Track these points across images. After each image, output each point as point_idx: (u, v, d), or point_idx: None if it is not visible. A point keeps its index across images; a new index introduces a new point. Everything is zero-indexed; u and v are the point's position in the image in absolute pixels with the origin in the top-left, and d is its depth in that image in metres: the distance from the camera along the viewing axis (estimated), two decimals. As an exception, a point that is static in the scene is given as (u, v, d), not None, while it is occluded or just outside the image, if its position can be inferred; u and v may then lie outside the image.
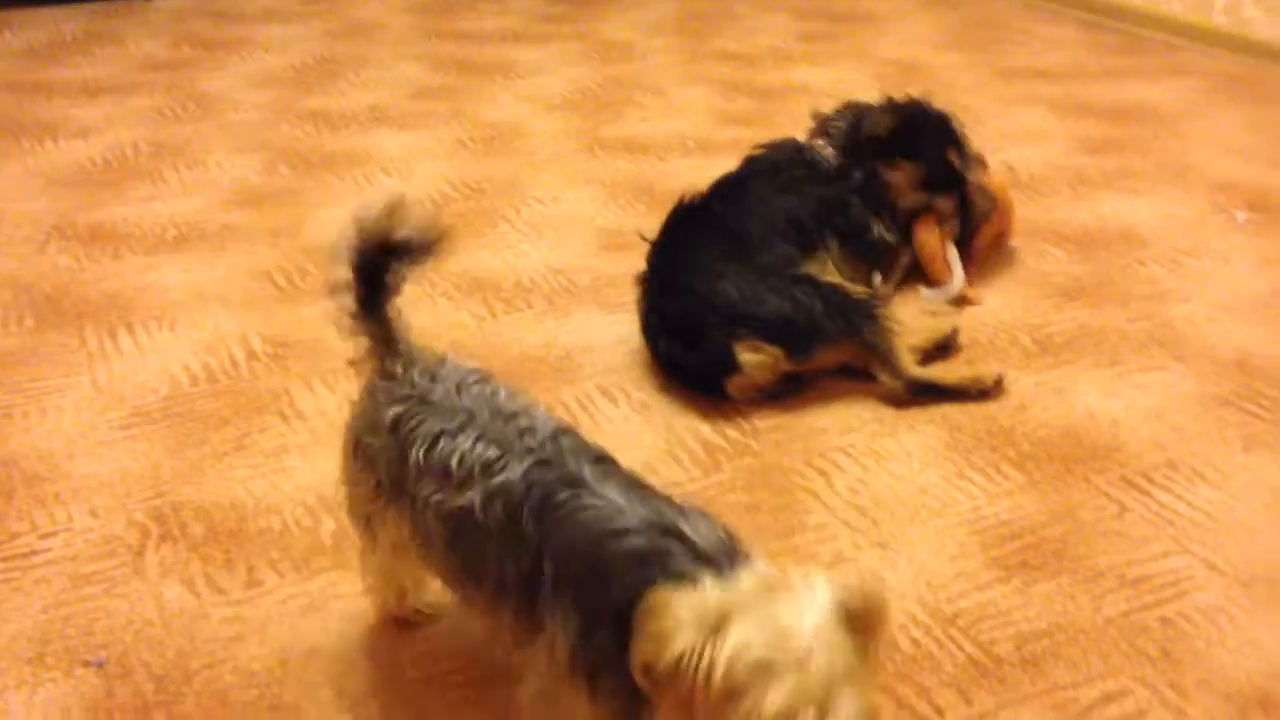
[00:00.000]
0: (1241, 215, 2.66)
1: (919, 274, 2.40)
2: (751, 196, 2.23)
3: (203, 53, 3.99)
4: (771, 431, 1.95)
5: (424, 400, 1.30)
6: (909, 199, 2.37)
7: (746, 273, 2.05)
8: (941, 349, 2.16)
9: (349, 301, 1.37)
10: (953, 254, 2.36)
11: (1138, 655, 1.49)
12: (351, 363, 1.42)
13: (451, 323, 2.29)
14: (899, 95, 2.45)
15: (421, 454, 1.25)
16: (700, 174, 2.41)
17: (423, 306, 2.34)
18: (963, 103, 3.40)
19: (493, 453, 1.21)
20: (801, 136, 2.46)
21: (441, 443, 1.25)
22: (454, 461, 1.22)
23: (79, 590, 1.61)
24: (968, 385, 2.03)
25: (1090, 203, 2.75)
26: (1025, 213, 2.69)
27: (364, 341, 1.39)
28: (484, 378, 1.35)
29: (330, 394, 2.05)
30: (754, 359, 1.98)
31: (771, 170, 2.32)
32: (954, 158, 2.38)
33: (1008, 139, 3.13)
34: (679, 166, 2.98)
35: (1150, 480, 1.81)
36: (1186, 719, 1.40)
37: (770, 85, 3.65)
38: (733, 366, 1.98)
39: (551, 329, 2.26)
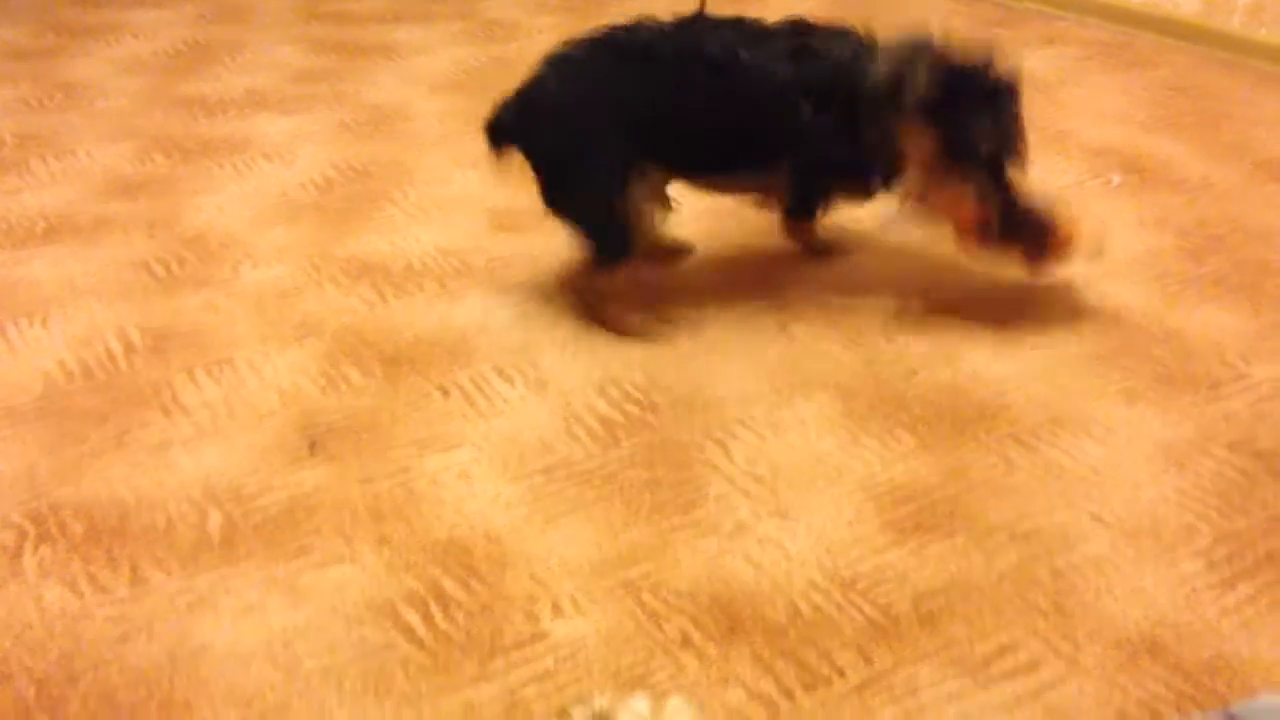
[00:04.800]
0: (1116, 179, 2.74)
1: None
2: None
3: (68, 40, 3.84)
4: (670, 407, 1.95)
5: None
6: None
7: None
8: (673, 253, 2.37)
9: None
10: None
11: (1030, 608, 1.53)
12: None
13: (340, 308, 2.24)
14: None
15: None
16: (589, 151, 2.39)
17: (309, 293, 2.29)
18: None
19: None
20: None
21: None
22: None
23: (-48, 598, 1.53)
24: None
25: (973, 171, 2.80)
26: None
27: None
28: None
29: (214, 385, 1.99)
30: None
31: None
32: None
33: (892, 111, 3.17)
34: (568, 145, 2.96)
35: (1037, 438, 1.85)
36: (1078, 668, 1.44)
37: (657, 62, 3.64)
38: None
39: (445, 311, 2.23)
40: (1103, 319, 2.17)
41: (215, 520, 1.68)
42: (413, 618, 1.52)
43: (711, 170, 2.16)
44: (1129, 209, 2.60)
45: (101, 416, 1.91)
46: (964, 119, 2.05)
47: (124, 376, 2.02)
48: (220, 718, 1.37)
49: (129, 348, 2.10)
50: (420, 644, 1.48)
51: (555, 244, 2.26)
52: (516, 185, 2.73)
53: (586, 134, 2.05)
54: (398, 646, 1.47)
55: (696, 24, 2.11)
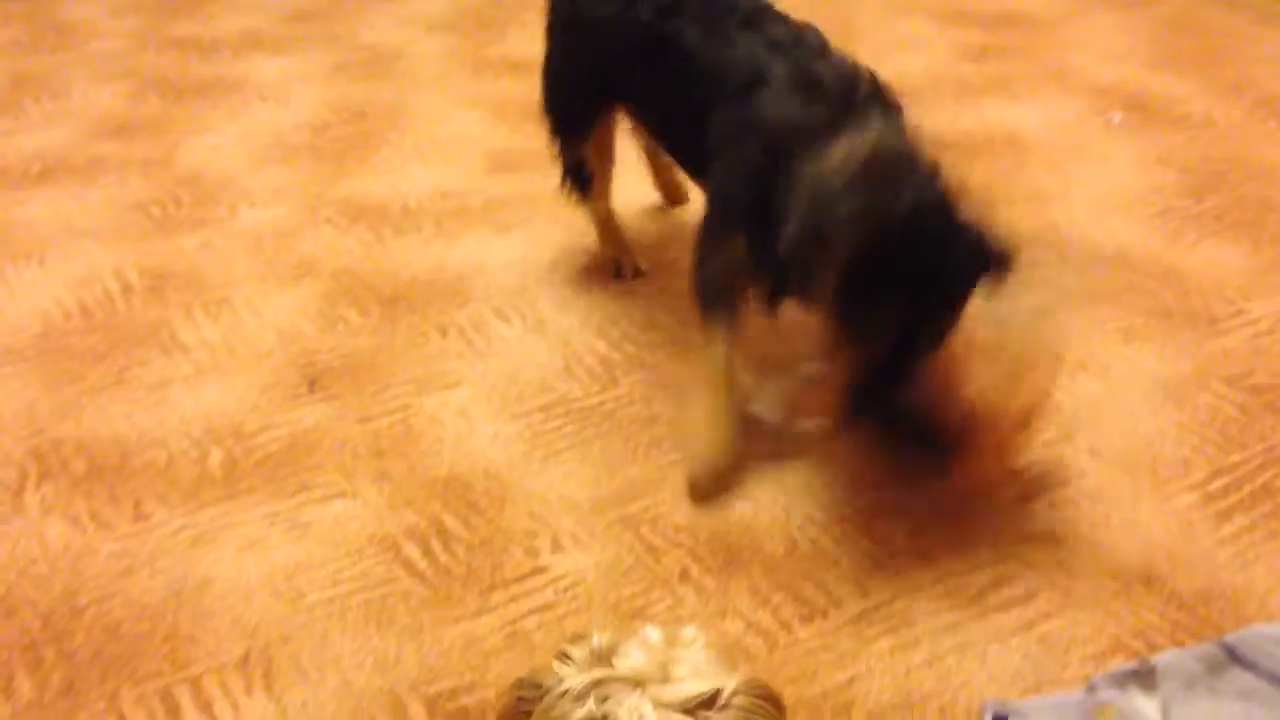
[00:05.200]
0: (1118, 117, 2.72)
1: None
2: None
3: (61, -20, 3.79)
4: (667, 346, 1.95)
5: None
6: None
7: None
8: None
9: None
10: None
11: (1026, 541, 1.54)
12: None
13: (338, 249, 2.23)
14: None
15: None
16: (586, 89, 2.37)
17: (307, 233, 2.28)
18: (843, 15, 3.40)
19: None
20: None
21: None
22: None
23: (-45, 534, 1.55)
24: None
25: (973, 109, 2.78)
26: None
27: None
28: None
29: (213, 325, 1.99)
30: None
31: None
32: None
33: (890, 49, 3.14)
34: (565, 85, 2.93)
35: (1035, 374, 1.85)
36: (1074, 598, 1.45)
37: None
38: None
39: (442, 252, 2.22)
40: (1102, 255, 2.17)
41: (216, 457, 1.69)
42: (413, 552, 1.53)
43: (675, 155, 1.96)
44: (1130, 146, 2.58)
45: (100, 355, 1.91)
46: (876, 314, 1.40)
47: (122, 316, 2.02)
48: (224, 650, 1.38)
49: (126, 288, 2.10)
50: (421, 577, 1.49)
51: (553, 184, 2.24)
52: (513, 126, 2.72)
53: (579, 52, 1.94)
54: (399, 580, 1.49)
55: None
